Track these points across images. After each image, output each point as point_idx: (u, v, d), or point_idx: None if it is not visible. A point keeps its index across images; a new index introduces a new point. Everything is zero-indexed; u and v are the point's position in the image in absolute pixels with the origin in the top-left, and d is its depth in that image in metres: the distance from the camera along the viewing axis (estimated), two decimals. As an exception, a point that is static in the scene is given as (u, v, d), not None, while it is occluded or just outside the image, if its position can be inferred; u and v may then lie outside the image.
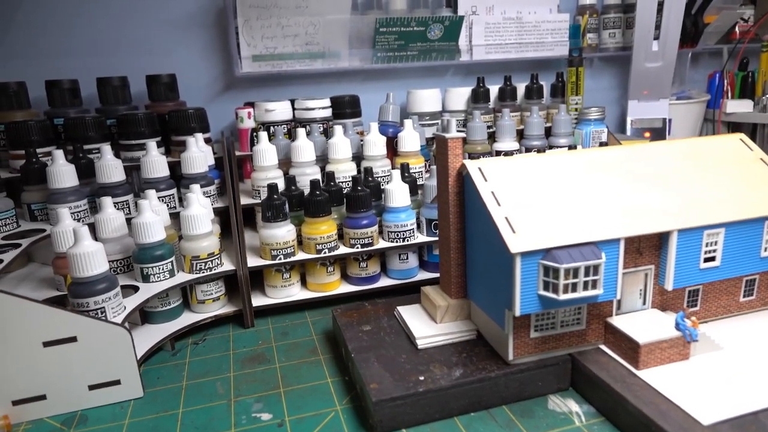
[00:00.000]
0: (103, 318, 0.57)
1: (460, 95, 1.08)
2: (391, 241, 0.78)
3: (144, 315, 0.70)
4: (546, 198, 0.53)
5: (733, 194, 0.57)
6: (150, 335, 0.67)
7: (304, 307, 0.77)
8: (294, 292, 0.76)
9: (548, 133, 1.02)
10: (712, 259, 0.55)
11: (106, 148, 0.77)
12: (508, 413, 0.52)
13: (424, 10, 1.09)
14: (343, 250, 0.76)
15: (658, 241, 0.55)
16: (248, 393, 0.58)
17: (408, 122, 0.89)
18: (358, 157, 0.89)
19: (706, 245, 0.55)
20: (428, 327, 0.60)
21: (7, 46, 0.98)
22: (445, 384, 0.51)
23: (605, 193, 0.55)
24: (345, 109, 0.99)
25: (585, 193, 0.54)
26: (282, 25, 1.00)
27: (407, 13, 1.07)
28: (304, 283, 0.78)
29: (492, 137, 1.00)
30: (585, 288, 0.50)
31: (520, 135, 1.02)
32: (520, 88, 1.09)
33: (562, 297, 0.49)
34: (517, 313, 0.50)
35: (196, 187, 0.74)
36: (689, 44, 1.24)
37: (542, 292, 0.50)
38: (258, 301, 0.75)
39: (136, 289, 0.67)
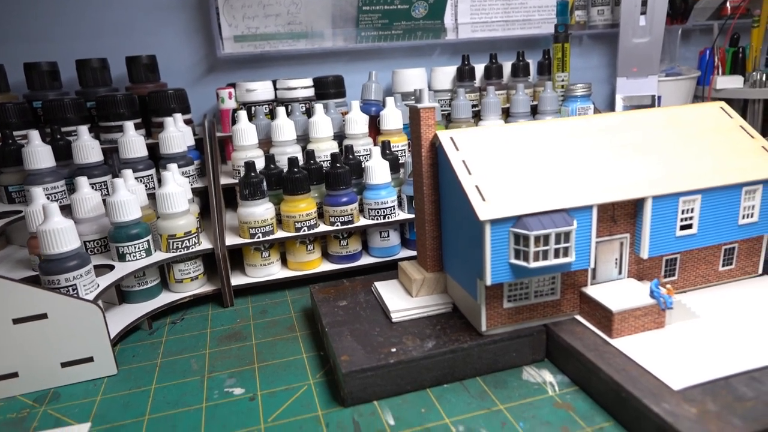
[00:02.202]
0: (75, 295, 0.57)
1: (446, 74, 1.06)
2: (372, 219, 0.77)
3: (121, 294, 0.69)
4: (519, 167, 0.53)
5: (711, 161, 0.56)
6: (127, 314, 0.66)
7: (284, 286, 0.77)
8: (274, 270, 0.75)
9: (535, 111, 1.01)
10: (689, 226, 0.54)
11: (83, 129, 0.76)
12: (481, 384, 0.52)
13: (409, -12, 1.07)
14: (322, 228, 0.75)
15: (633, 209, 0.54)
16: (222, 369, 0.58)
17: (390, 100, 0.87)
18: (341, 136, 0.88)
19: (682, 212, 0.54)
20: (404, 301, 0.59)
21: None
22: (416, 355, 0.51)
23: (579, 161, 0.54)
24: (329, 89, 0.98)
25: (559, 162, 0.54)
26: (263, 4, 0.98)
27: (391, -9, 1.05)
28: (284, 262, 0.77)
29: (478, 116, 0.99)
30: (556, 256, 0.49)
31: (507, 113, 1.01)
32: (507, 67, 1.08)
33: (533, 265, 0.48)
34: (488, 282, 0.50)
35: (173, 167, 0.73)
36: (679, 20, 1.22)
37: (513, 261, 0.49)
38: (237, 280, 0.74)
39: (112, 268, 0.66)
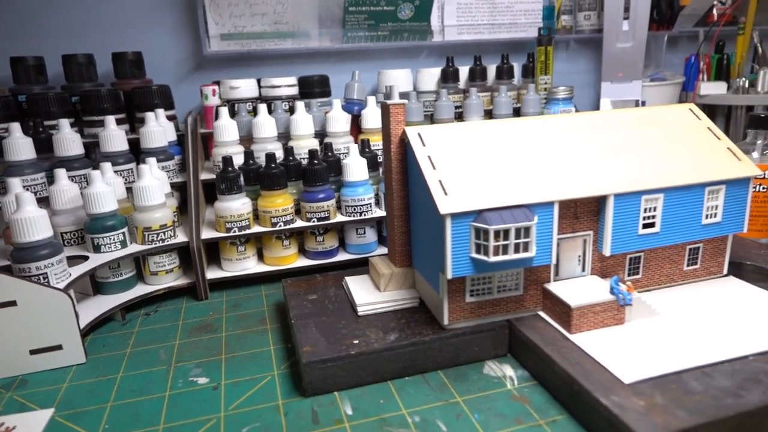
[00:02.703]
0: (45, 283, 0.57)
1: (431, 75, 1.07)
2: (349, 216, 0.78)
3: (97, 285, 0.70)
4: (483, 163, 0.53)
5: (676, 161, 0.57)
6: (100, 305, 0.67)
7: (260, 280, 0.77)
8: (249, 265, 0.76)
9: (518, 113, 1.02)
10: (652, 225, 0.55)
11: (64, 122, 0.77)
12: (442, 377, 0.52)
13: (396, -10, 1.09)
14: (299, 224, 0.76)
15: (596, 207, 0.54)
16: (189, 359, 0.58)
17: (371, 99, 0.88)
18: (323, 135, 0.89)
19: (645, 210, 0.54)
20: (371, 295, 0.60)
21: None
22: (378, 347, 0.51)
23: (543, 158, 0.55)
24: (314, 88, 0.99)
25: (523, 159, 0.54)
26: (250, 3, 1.00)
27: (378, -7, 1.06)
28: (261, 257, 0.78)
29: (461, 117, 1.00)
30: (516, 250, 0.49)
31: (490, 115, 1.02)
32: (492, 69, 1.09)
33: (493, 259, 0.49)
34: (449, 275, 0.50)
35: (152, 160, 0.74)
36: (665, 26, 1.23)
37: (474, 255, 0.50)
38: (213, 274, 0.75)
39: (87, 259, 0.67)
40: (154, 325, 0.67)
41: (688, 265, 0.60)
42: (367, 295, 0.60)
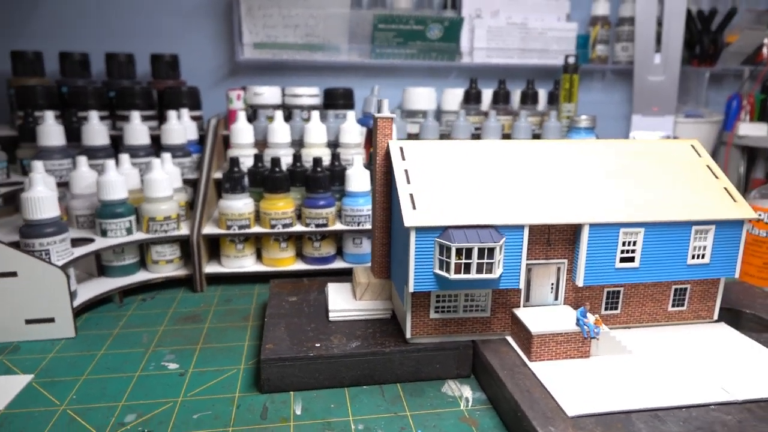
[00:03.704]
0: (44, 259, 0.62)
1: (455, 96, 1.08)
2: (347, 225, 0.79)
3: (101, 268, 0.74)
4: (460, 181, 0.54)
5: (664, 195, 0.55)
6: (100, 286, 0.71)
7: (256, 279, 0.80)
8: (246, 263, 0.79)
9: (538, 139, 1.01)
10: (631, 259, 0.54)
11: (93, 114, 0.83)
12: (398, 390, 0.53)
13: (429, 10, 1.10)
14: (296, 228, 0.78)
15: (572, 235, 0.54)
16: (167, 345, 0.61)
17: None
18: (337, 145, 0.92)
19: (624, 244, 0.53)
20: (346, 302, 0.61)
21: (31, 21, 1.07)
22: (337, 353, 0.52)
23: (523, 181, 0.54)
24: (338, 100, 1.02)
25: (501, 180, 0.54)
26: (283, 15, 1.04)
27: (410, 12, 1.08)
28: (261, 257, 0.81)
29: (479, 139, 1.00)
30: (479, 271, 0.49)
31: (509, 139, 1.02)
32: (517, 94, 1.08)
33: (454, 277, 0.49)
34: (411, 288, 0.51)
35: (166, 156, 0.79)
36: (708, 63, 1.19)
37: (437, 271, 0.50)
38: (212, 268, 0.78)
39: (92, 241, 0.71)
40: (147, 310, 0.70)
41: (673, 306, 0.58)
42: (342, 302, 0.61)
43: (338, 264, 0.81)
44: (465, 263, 0.49)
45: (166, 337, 0.63)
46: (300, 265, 0.80)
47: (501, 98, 1.05)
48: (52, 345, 0.61)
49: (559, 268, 0.55)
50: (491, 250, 0.49)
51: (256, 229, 0.77)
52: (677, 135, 1.11)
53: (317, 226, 0.78)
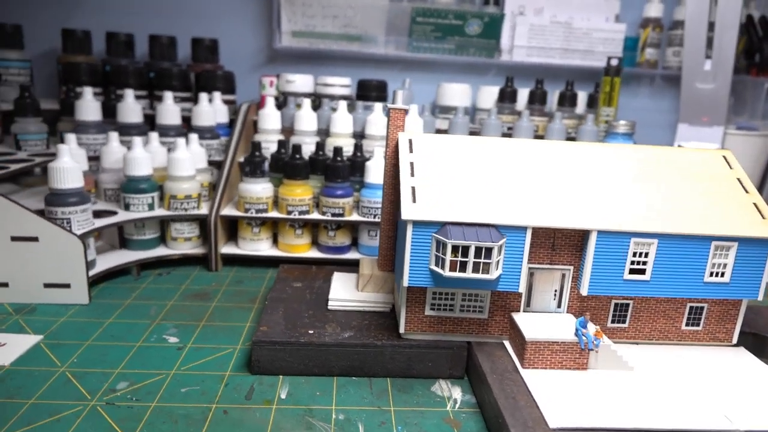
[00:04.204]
0: (64, 227, 0.64)
1: (491, 93, 1.06)
2: (363, 216, 0.79)
3: (123, 241, 0.77)
4: (465, 177, 0.52)
5: (685, 207, 0.52)
6: (119, 258, 0.74)
7: (271, 263, 0.81)
8: (262, 247, 0.80)
9: (572, 142, 0.98)
10: (641, 272, 0.51)
11: (129, 92, 0.85)
12: (387, 385, 0.52)
13: (469, 5, 1.08)
14: (312, 216, 0.78)
15: (579, 241, 0.51)
16: (172, 319, 0.62)
17: (413, 108, 0.89)
18: (363, 136, 0.91)
19: (634, 254, 0.50)
20: (348, 292, 0.61)
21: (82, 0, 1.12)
22: (328, 341, 0.52)
23: (532, 181, 0.52)
24: (371, 92, 1.01)
25: (510, 179, 0.52)
26: (322, 5, 1.04)
27: (450, 6, 1.07)
28: (277, 243, 0.81)
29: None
30: (475, 270, 0.48)
31: (541, 140, 0.98)
32: (557, 96, 1.05)
33: (448, 274, 0.48)
34: (405, 282, 0.50)
35: (193, 137, 0.81)
36: (767, 73, 1.12)
37: (433, 267, 0.49)
38: (228, 249, 0.79)
39: (115, 214, 0.74)
40: (161, 285, 0.72)
41: (687, 325, 0.54)
42: (344, 292, 0.61)
43: (352, 255, 0.81)
44: (461, 261, 0.48)
45: (173, 311, 0.65)
46: (314, 253, 0.80)
47: (537, 98, 1.02)
48: (66, 309, 0.64)
49: (564, 275, 0.52)
50: (489, 250, 0.48)
51: (273, 214, 0.78)
52: (726, 148, 1.05)
53: (333, 215, 0.78)
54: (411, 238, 0.49)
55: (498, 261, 0.49)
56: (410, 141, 0.55)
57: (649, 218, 0.50)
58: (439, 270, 0.48)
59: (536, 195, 0.51)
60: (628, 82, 1.19)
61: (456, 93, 1.04)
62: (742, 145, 1.06)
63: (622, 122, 0.93)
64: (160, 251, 0.77)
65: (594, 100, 1.04)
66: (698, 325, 0.54)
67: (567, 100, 1.02)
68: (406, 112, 0.58)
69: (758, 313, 0.64)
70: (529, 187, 0.52)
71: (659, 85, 1.20)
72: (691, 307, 0.54)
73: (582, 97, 1.05)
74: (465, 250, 0.48)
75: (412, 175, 0.52)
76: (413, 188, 0.51)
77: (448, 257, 0.47)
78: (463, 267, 0.48)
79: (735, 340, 0.55)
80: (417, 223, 0.48)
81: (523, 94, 1.04)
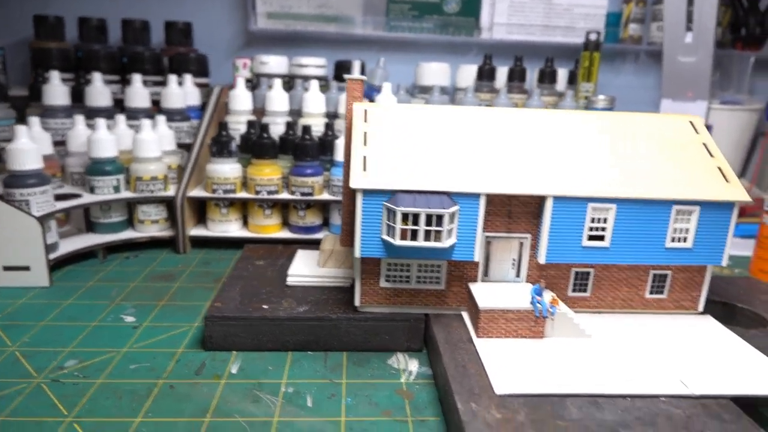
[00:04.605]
0: (22, 208, 0.63)
1: (470, 72, 1.04)
2: (334, 195, 0.78)
3: (90, 224, 0.76)
4: (420, 146, 0.51)
5: (646, 171, 0.50)
6: (84, 241, 0.73)
7: (240, 245, 0.78)
8: (231, 228, 0.78)
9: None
10: (600, 238, 0.49)
11: (97, 75, 0.84)
12: (342, 359, 0.51)
13: (447, -16, 1.07)
14: (281, 196, 0.77)
15: (537, 209, 0.50)
16: (132, 300, 0.62)
17: (387, 86, 0.87)
18: (337, 116, 0.90)
19: (592, 221, 0.49)
20: (308, 268, 0.60)
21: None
22: (282, 315, 0.51)
23: (488, 149, 0.51)
24: (347, 72, 1.00)
25: (467, 148, 0.51)
26: (296, -15, 1.03)
27: (427, -15, 1.05)
28: (247, 224, 0.80)
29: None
30: (427, 238, 0.47)
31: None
32: (535, 73, 1.03)
33: (398, 242, 0.47)
34: (357, 253, 0.49)
35: (161, 118, 0.79)
36: (753, 46, 1.09)
37: (384, 237, 0.48)
38: (196, 231, 0.78)
39: (79, 197, 0.73)
40: (127, 267, 0.71)
41: (651, 293, 0.53)
42: (304, 268, 0.60)
43: (324, 235, 0.79)
44: (412, 230, 0.47)
45: (134, 292, 0.64)
46: (285, 234, 0.79)
47: (516, 76, 1.00)
48: (25, 292, 0.63)
49: (521, 244, 0.51)
50: (440, 218, 0.46)
51: (241, 194, 0.77)
52: (711, 123, 1.03)
53: (303, 194, 0.77)
54: (361, 208, 0.47)
55: (451, 229, 0.47)
56: (365, 111, 0.54)
57: (608, 183, 0.49)
58: (390, 239, 0.47)
59: (491, 162, 0.50)
60: (612, 59, 1.17)
61: (434, 72, 1.02)
62: (728, 120, 1.04)
63: (601, 97, 0.92)
64: (128, 234, 0.76)
65: (574, 77, 1.02)
66: (662, 293, 0.53)
67: (546, 77, 1.00)
68: (363, 82, 0.57)
69: (730, 283, 0.62)
70: (485, 155, 0.51)
71: (644, 61, 1.18)
72: (654, 275, 0.52)
73: (562, 74, 1.03)
74: (416, 218, 0.46)
75: (365, 144, 0.51)
76: (365, 157, 0.49)
77: (399, 225, 0.46)
78: (414, 235, 0.47)
79: (701, 308, 0.54)
80: (367, 192, 0.47)
81: (502, 72, 1.02)
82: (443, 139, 0.52)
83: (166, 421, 0.42)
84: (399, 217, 0.46)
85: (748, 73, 1.11)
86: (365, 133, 0.52)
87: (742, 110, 1.03)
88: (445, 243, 0.47)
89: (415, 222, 0.46)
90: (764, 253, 0.71)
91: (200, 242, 0.79)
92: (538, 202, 0.49)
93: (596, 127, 0.54)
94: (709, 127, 1.03)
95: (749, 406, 0.41)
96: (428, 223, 0.46)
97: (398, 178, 0.48)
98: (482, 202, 0.48)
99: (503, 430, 0.36)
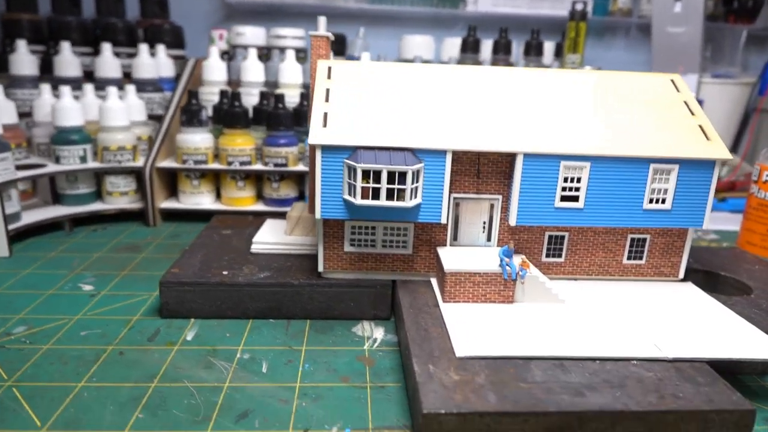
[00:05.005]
0: (-21, 175, 0.61)
1: (454, 45, 1.01)
2: (308, 167, 0.75)
3: (56, 196, 0.74)
4: (384, 103, 0.48)
5: (623, 129, 0.48)
6: (49, 212, 0.70)
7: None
8: (204, 201, 0.76)
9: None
10: (574, 198, 0.47)
11: (65, 45, 0.82)
12: (305, 326, 0.49)
13: (432, -46, 1.04)
14: (254, 167, 0.75)
15: (508, 168, 0.47)
16: (93, 270, 0.59)
17: (365, 56, 0.85)
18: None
19: (566, 180, 0.46)
20: (273, 236, 0.57)
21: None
22: (241, 281, 0.49)
23: (458, 108, 0.48)
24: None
25: (434, 106, 0.49)
26: (276, -45, 1.00)
27: (411, -45, 1.02)
28: (220, 197, 0.78)
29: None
30: (389, 197, 0.44)
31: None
32: (523, 45, 1.00)
33: (359, 202, 0.44)
34: (318, 215, 0.46)
35: (130, 87, 0.77)
36: (746, 20, 1.07)
37: (345, 196, 0.45)
38: (167, 204, 0.76)
39: (44, 166, 0.70)
40: (94, 239, 0.69)
41: (629, 259, 0.51)
42: (269, 236, 0.57)
43: (299, 208, 0.77)
44: (374, 188, 0.44)
45: (97, 263, 0.61)
46: (259, 207, 0.77)
47: (501, 48, 0.97)
48: (-16, 262, 0.60)
49: (492, 205, 0.49)
50: (403, 175, 0.44)
51: (213, 165, 0.74)
52: (701, 97, 1.00)
53: (276, 165, 0.74)
54: (321, 166, 0.45)
55: (415, 188, 0.45)
56: (329, 68, 0.52)
57: (582, 141, 0.46)
58: (351, 198, 0.45)
59: (461, 120, 0.47)
60: (602, 34, 1.14)
61: (417, 45, 1.00)
62: (719, 94, 1.01)
63: (587, 68, 0.89)
64: (96, 206, 0.74)
65: (561, 50, 0.99)
66: (641, 258, 0.51)
67: (533, 49, 0.97)
68: (328, 39, 0.54)
69: (715, 254, 0.60)
70: (454, 112, 0.48)
71: (634, 36, 1.15)
72: (632, 239, 0.50)
73: (549, 47, 1.00)
74: (377, 176, 0.44)
75: (327, 100, 0.48)
76: (325, 114, 0.47)
77: (359, 183, 0.44)
78: (376, 194, 0.44)
79: (682, 274, 0.51)
80: (326, 149, 0.45)
81: (487, 45, 1.00)
82: (411, 96, 0.49)
83: (110, 386, 0.39)
84: (359, 174, 0.44)
85: (741, 47, 1.08)
86: (327, 89, 0.49)
87: (733, 84, 1.00)
88: (409, 203, 0.45)
89: (377, 180, 0.44)
90: (752, 225, 0.69)
91: (172, 215, 0.77)
92: (509, 160, 0.47)
93: (573, 86, 0.52)
94: (700, 102, 1.01)
95: (730, 374, 0.39)
96: (390, 181, 0.44)
97: (360, 134, 0.45)
98: (449, 159, 0.45)
99: (459, 391, 0.34)
